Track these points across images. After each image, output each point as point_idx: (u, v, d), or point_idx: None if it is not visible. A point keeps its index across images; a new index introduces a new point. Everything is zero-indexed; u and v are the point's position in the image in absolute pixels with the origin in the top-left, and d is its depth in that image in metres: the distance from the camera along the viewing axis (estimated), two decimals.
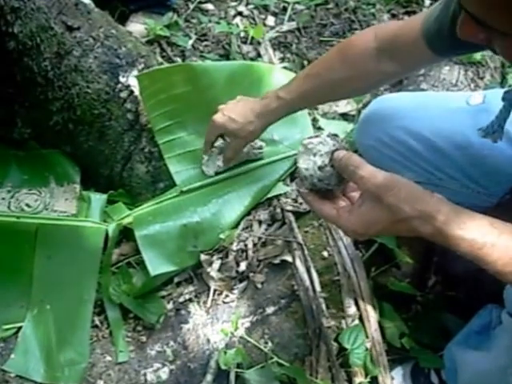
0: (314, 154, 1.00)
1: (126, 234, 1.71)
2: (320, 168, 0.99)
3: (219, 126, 1.64)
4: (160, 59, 2.05)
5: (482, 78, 2.02)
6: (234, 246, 1.71)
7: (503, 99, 1.16)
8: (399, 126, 1.49)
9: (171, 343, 1.57)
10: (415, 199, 0.90)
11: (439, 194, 0.92)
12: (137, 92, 1.71)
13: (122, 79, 1.69)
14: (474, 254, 0.88)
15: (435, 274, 1.71)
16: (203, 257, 1.68)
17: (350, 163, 0.96)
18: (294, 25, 2.50)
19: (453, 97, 1.57)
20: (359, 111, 2.01)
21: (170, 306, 1.64)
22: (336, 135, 1.04)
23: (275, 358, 1.49)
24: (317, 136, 1.03)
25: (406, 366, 1.57)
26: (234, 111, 1.62)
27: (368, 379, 1.48)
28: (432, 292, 1.69)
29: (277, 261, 1.66)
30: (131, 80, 1.70)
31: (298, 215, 1.75)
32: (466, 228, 0.87)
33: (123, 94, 1.70)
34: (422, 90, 1.95)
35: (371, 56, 1.36)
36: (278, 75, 1.96)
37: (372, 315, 1.55)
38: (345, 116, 2.11)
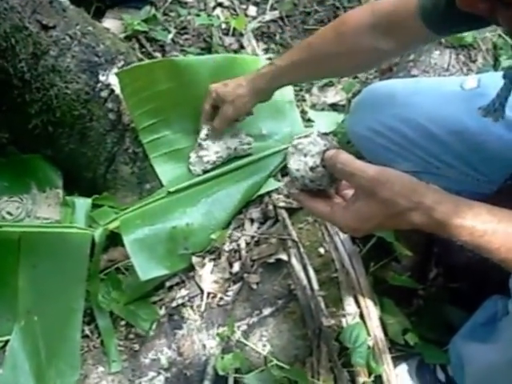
0: (305, 155, 0.99)
1: (113, 238, 1.66)
2: (311, 169, 0.98)
3: (212, 90, 1.63)
4: (140, 55, 2.01)
5: (474, 61, 1.99)
6: (227, 247, 1.68)
7: (504, 77, 1.14)
8: (392, 113, 1.46)
9: (165, 350, 1.53)
10: (411, 191, 0.88)
11: (435, 185, 0.91)
12: (118, 91, 1.66)
13: (101, 78, 1.64)
14: (475, 243, 0.87)
15: (436, 265, 1.68)
16: (195, 259, 1.64)
17: (339, 161, 0.94)
18: (276, 14, 2.46)
19: (446, 82, 1.57)
20: (349, 101, 1.98)
21: (162, 311, 1.60)
22: (326, 134, 1.03)
23: (275, 361, 1.45)
24: (307, 136, 1.01)
25: (411, 363, 1.53)
26: (229, 80, 1.63)
27: (372, 378, 1.44)
28: (434, 285, 1.67)
29: (271, 260, 1.62)
30: (111, 78, 1.65)
31: (292, 211, 1.71)
32: (465, 216, 0.86)
33: (104, 94, 1.65)
34: (413, 76, 1.91)
35: (366, 32, 1.33)
36: None
37: (373, 312, 1.51)
38: (334, 106, 2.07)
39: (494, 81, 1.21)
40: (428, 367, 1.51)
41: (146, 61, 1.87)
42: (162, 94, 1.72)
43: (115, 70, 1.66)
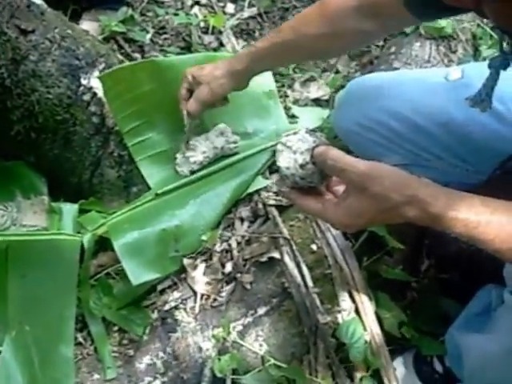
0: (294, 152, 0.99)
1: (101, 243, 1.63)
2: (301, 166, 0.98)
3: (187, 73, 1.59)
4: (119, 56, 1.98)
5: (454, 52, 2.00)
6: (218, 247, 1.66)
7: (489, 66, 1.13)
8: (378, 107, 1.46)
9: (161, 354, 1.51)
10: (402, 185, 0.89)
11: (425, 178, 0.91)
12: (100, 94, 1.64)
13: (83, 81, 1.61)
14: (469, 234, 0.87)
15: (428, 257, 1.68)
16: (186, 261, 1.62)
17: (329, 157, 0.94)
18: (254, 10, 2.46)
19: (430, 74, 1.57)
20: (333, 95, 1.97)
21: (155, 315, 1.57)
22: (315, 130, 1.02)
23: (272, 361, 1.44)
24: (295, 133, 1.01)
25: (408, 356, 1.54)
26: (206, 64, 1.59)
27: (370, 373, 1.45)
28: (426, 276, 1.68)
29: (264, 258, 1.61)
30: (93, 81, 1.63)
31: (282, 209, 1.70)
32: (458, 209, 0.86)
33: (86, 97, 1.62)
34: (395, 68, 1.92)
35: (351, 13, 1.32)
36: None
37: (368, 307, 1.51)
38: (317, 101, 2.07)
39: (477, 71, 1.22)
40: (425, 359, 1.51)
41: (128, 63, 1.85)
42: (145, 96, 1.70)
43: (96, 72, 1.64)
